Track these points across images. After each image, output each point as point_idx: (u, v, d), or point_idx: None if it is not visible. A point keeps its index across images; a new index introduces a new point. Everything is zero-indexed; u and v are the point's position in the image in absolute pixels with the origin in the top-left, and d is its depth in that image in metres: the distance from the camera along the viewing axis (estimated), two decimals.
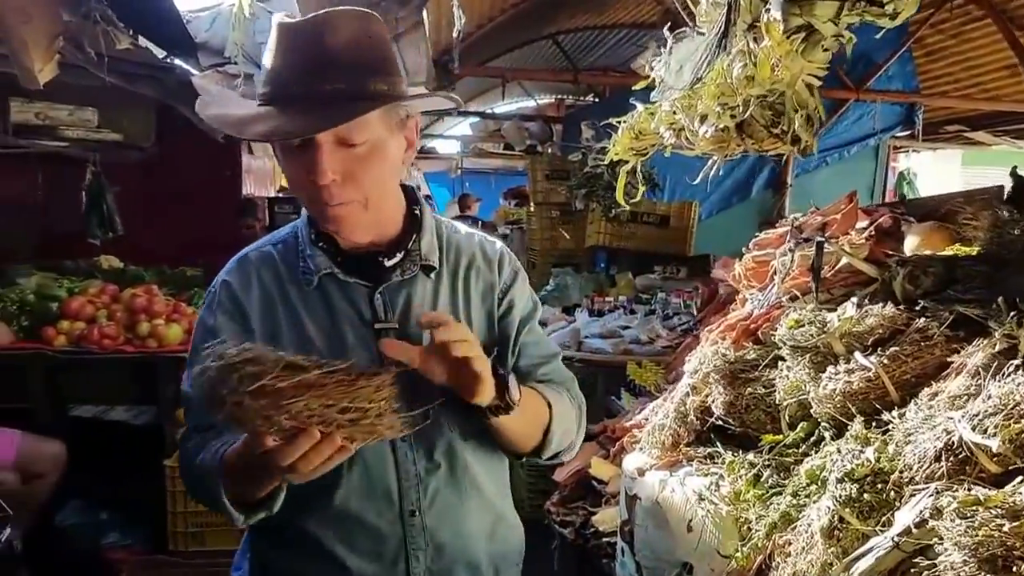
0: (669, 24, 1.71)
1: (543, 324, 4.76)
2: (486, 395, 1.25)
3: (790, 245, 1.93)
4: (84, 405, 3.85)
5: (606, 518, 2.06)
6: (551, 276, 6.41)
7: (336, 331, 1.38)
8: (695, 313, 4.25)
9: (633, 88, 2.11)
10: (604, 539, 2.04)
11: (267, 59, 1.29)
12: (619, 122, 2.15)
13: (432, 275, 1.44)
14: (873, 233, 2.05)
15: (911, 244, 2.08)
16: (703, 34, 1.62)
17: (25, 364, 3.74)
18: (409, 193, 1.48)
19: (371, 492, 1.37)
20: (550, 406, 1.41)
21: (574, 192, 5.92)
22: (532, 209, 7.62)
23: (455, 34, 2.89)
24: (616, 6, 6.79)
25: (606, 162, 2.24)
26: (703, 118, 1.78)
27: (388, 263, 1.40)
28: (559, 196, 7.13)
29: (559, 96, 10.38)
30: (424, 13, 3.27)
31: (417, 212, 1.47)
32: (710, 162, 1.90)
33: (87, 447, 3.61)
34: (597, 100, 8.24)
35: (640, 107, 2.07)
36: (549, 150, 8.63)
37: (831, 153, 6.80)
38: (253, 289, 1.41)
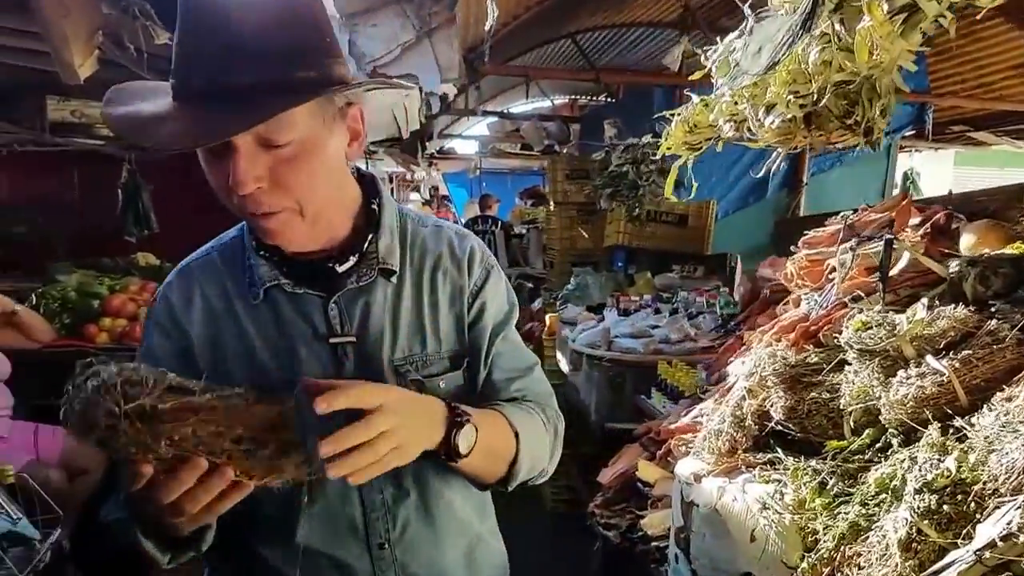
0: (750, 2, 1.55)
1: (571, 324, 4.69)
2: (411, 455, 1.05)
3: (852, 244, 1.79)
4: None
5: (654, 522, 1.93)
6: (572, 275, 6.29)
7: (288, 348, 1.19)
8: (720, 312, 4.12)
9: (688, 79, 1.97)
10: (652, 543, 1.91)
11: (175, 38, 1.04)
12: (672, 115, 2.01)
13: (393, 279, 1.23)
14: (929, 231, 1.91)
15: (967, 242, 1.94)
16: (784, 15, 1.47)
17: (68, 361, 3.64)
18: (367, 185, 1.27)
19: (335, 524, 1.21)
20: (517, 436, 1.22)
21: (598, 191, 5.76)
22: (552, 208, 7.51)
23: (487, 28, 2.75)
24: (635, 4, 6.66)
25: (657, 156, 2.10)
26: (769, 108, 1.64)
27: (341, 269, 1.20)
28: (579, 195, 7.01)
29: (573, 96, 10.24)
30: (457, 8, 3.15)
31: (375, 207, 1.25)
32: (774, 155, 1.77)
33: None
34: (612, 100, 8.09)
35: (695, 99, 1.93)
36: (565, 150, 8.51)
37: (846, 152, 6.63)
38: (195, 304, 1.22)
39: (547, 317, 5.64)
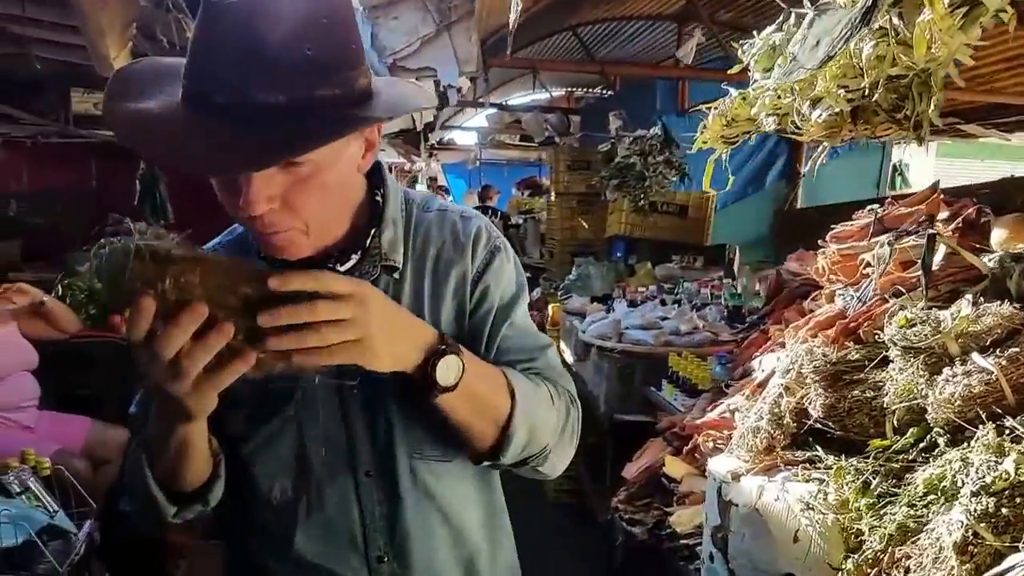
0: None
1: (577, 314, 4.61)
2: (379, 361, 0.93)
3: (889, 238, 1.72)
4: None
5: (683, 519, 1.86)
6: (574, 266, 6.21)
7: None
8: (725, 304, 4.05)
9: (728, 73, 1.89)
10: (681, 541, 1.84)
11: (190, 43, 0.92)
12: (709, 108, 1.93)
13: (395, 274, 1.13)
14: (960, 225, 1.84)
15: (999, 237, 1.87)
16: (844, 8, 1.39)
17: (93, 351, 3.64)
18: (372, 174, 1.14)
19: (333, 537, 1.12)
20: (513, 396, 1.06)
21: (604, 182, 5.67)
22: (553, 199, 7.43)
23: (511, 20, 2.66)
24: None
25: (693, 149, 2.01)
26: (815, 102, 1.56)
27: (342, 269, 1.08)
28: (580, 186, 6.93)
29: (569, 89, 10.14)
30: (476, 1, 3.05)
31: (379, 199, 1.13)
32: (819, 149, 1.69)
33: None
34: (611, 92, 8.00)
35: (733, 92, 1.85)
36: (563, 141, 8.41)
37: (841, 144, 6.55)
38: None
39: (549, 307, 5.56)
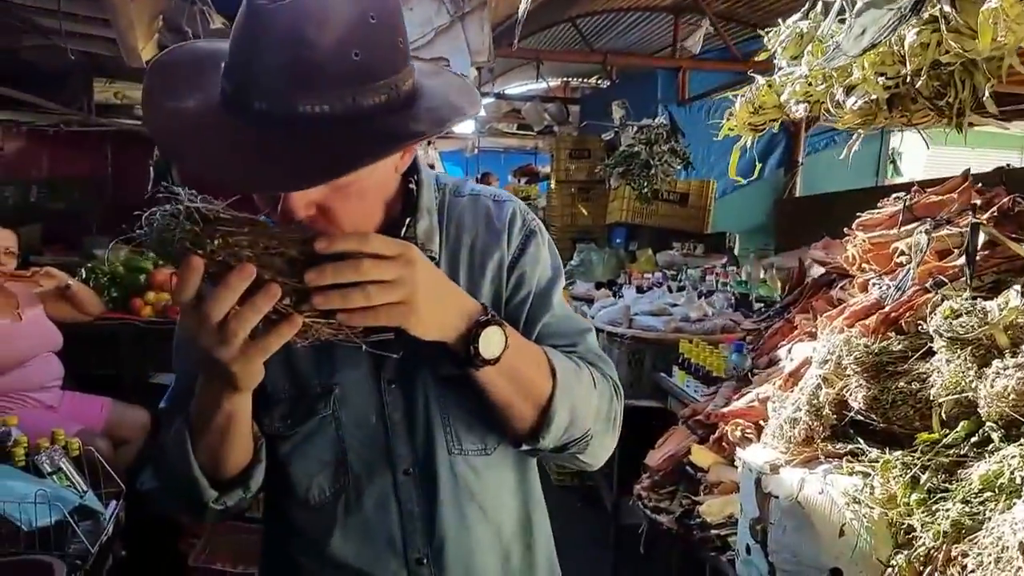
0: None
1: (583, 300, 4.53)
2: (423, 326, 0.87)
3: (927, 227, 1.62)
4: (164, 373, 3.65)
5: (713, 509, 1.77)
6: (576, 252, 6.12)
7: (325, 347, 0.96)
8: (732, 292, 3.96)
9: (754, 60, 1.80)
10: (712, 531, 1.76)
11: (231, 43, 0.83)
12: (735, 95, 1.83)
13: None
14: (996, 214, 1.74)
15: None
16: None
17: (115, 333, 3.63)
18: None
19: (370, 539, 1.05)
20: (554, 375, 0.99)
21: (608, 170, 5.57)
22: (553, 186, 7.35)
23: (521, 11, 2.55)
24: None
25: (719, 136, 1.92)
26: (849, 89, 1.47)
27: None
28: (580, 173, 6.85)
29: (566, 79, 10.00)
30: None
31: (412, 186, 1.05)
32: (854, 136, 1.60)
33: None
34: (609, 83, 7.88)
35: (760, 80, 1.75)
36: (562, 131, 8.29)
37: (839, 132, 6.43)
38: None
39: None
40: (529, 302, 1.09)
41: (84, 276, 3.78)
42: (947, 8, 1.17)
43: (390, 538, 1.05)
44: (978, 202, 1.82)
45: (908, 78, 1.33)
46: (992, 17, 1.08)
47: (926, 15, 1.20)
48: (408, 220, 1.03)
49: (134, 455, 3.27)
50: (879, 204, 1.96)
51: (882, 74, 1.44)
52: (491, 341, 0.91)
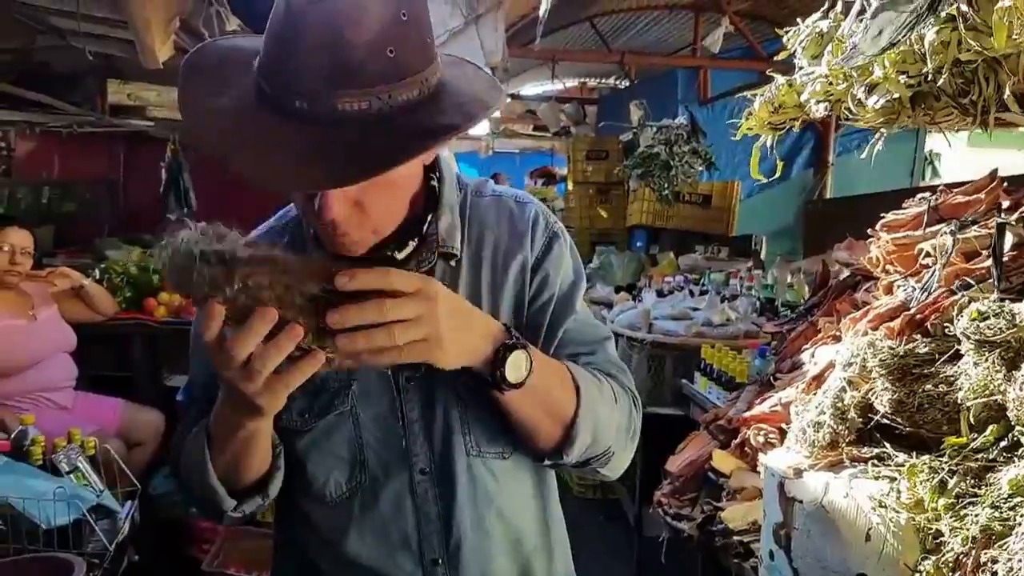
0: None
1: (602, 303, 4.55)
2: (449, 359, 0.89)
3: (952, 228, 1.64)
4: (178, 375, 3.73)
5: (736, 515, 1.80)
6: (595, 254, 6.14)
7: None
8: (757, 296, 3.97)
9: (774, 59, 1.83)
10: (735, 537, 1.78)
11: (267, 41, 0.86)
12: (754, 95, 1.86)
13: (452, 262, 1.08)
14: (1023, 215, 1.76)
15: None
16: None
17: (128, 334, 3.71)
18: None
19: (386, 538, 1.08)
20: (578, 392, 1.01)
21: (627, 171, 5.59)
22: (571, 188, 7.38)
23: (543, 8, 2.59)
24: None
25: (737, 137, 1.95)
26: (871, 88, 1.50)
27: (400, 256, 1.03)
28: (598, 175, 6.88)
29: (583, 79, 10.03)
30: None
31: (434, 183, 1.08)
32: (875, 136, 1.62)
33: (178, 415, 3.49)
34: (628, 83, 7.89)
35: (780, 79, 1.78)
36: (578, 131, 8.32)
37: (872, 132, 6.38)
38: None
39: None
40: (552, 305, 1.11)
41: (98, 276, 3.85)
42: (963, 7, 1.20)
43: (405, 538, 1.08)
44: (1006, 203, 1.83)
45: (930, 76, 1.36)
46: (1006, 15, 1.11)
47: (944, 14, 1.23)
48: (430, 216, 1.06)
49: (148, 457, 3.34)
50: (903, 205, 1.98)
51: (904, 72, 1.46)
52: (517, 365, 0.94)
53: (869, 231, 2.00)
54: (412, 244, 1.04)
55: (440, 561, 1.08)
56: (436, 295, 0.87)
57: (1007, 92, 1.28)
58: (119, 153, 5.77)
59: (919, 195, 2.01)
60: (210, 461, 1.00)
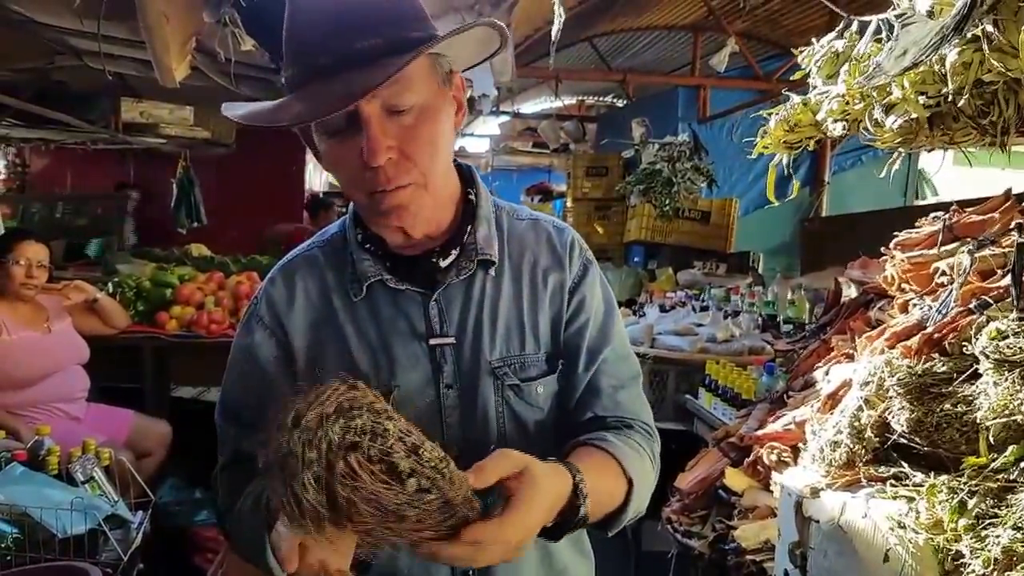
0: (896, 12, 1.39)
1: None
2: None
3: (970, 247, 1.61)
4: (185, 387, 3.74)
5: (749, 534, 1.75)
6: None
7: (384, 348, 1.07)
8: (759, 312, 3.93)
9: (791, 79, 1.80)
10: (748, 556, 1.74)
11: (285, 32, 0.98)
12: (769, 114, 1.84)
13: (491, 271, 1.10)
14: None
15: None
16: (932, 18, 1.30)
17: (140, 347, 3.69)
18: (464, 173, 1.15)
19: None
20: (630, 484, 1.06)
21: (628, 188, 5.57)
22: (569, 204, 7.37)
23: (555, 29, 2.57)
24: (654, 9, 6.50)
25: (754, 155, 1.93)
26: (888, 108, 1.47)
27: (444, 263, 1.08)
28: (597, 192, 6.86)
29: (581, 97, 10.05)
30: (513, 14, 2.98)
31: (472, 196, 1.13)
32: (894, 155, 1.60)
33: (184, 426, 3.47)
34: (627, 101, 7.90)
35: (796, 98, 1.76)
36: (577, 149, 8.32)
37: (866, 151, 6.37)
38: (296, 301, 1.10)
39: None
40: (589, 329, 1.13)
41: (111, 290, 3.84)
42: (989, 28, 1.17)
43: None
44: (1023, 221, 1.80)
45: (950, 97, 1.33)
46: None
47: (969, 35, 1.21)
48: (468, 228, 1.11)
49: (155, 467, 3.33)
50: (916, 224, 1.95)
51: (923, 93, 1.44)
52: (584, 506, 0.97)
53: (882, 249, 1.97)
54: (454, 253, 1.09)
55: (470, 572, 1.08)
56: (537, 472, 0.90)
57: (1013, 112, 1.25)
58: (131, 168, 5.82)
59: (932, 214, 1.98)
60: (268, 544, 0.95)
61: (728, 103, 6.14)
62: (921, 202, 6.35)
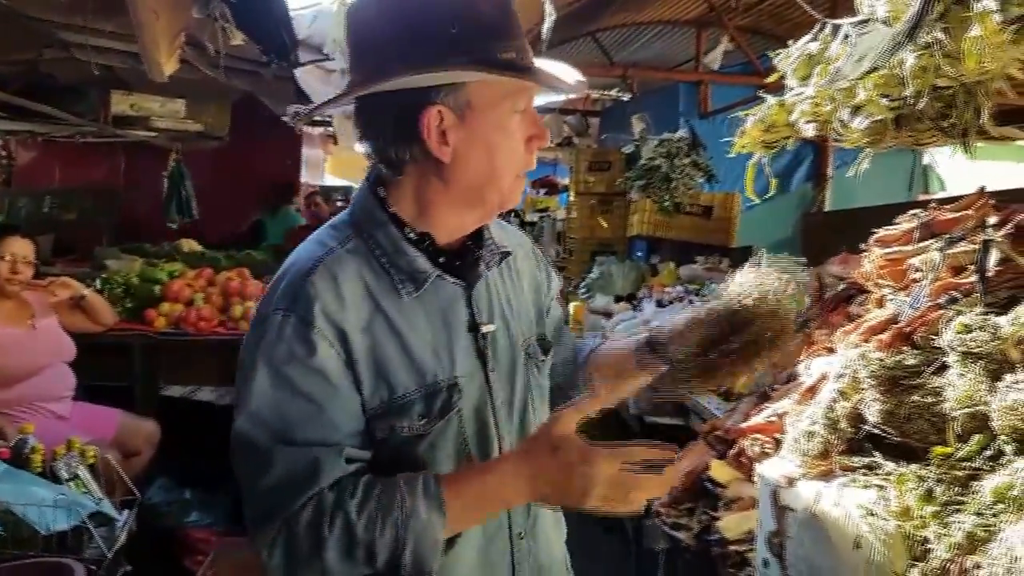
0: (859, 18, 1.51)
1: (602, 313, 4.60)
2: None
3: (941, 243, 1.71)
4: (175, 386, 3.76)
5: (731, 525, 1.85)
6: (595, 264, 6.20)
7: (442, 344, 1.14)
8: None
9: (767, 80, 1.90)
10: (731, 547, 1.84)
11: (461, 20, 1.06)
12: (746, 114, 1.94)
13: (504, 263, 1.27)
14: (1013, 231, 1.82)
15: None
16: (888, 25, 1.41)
17: (128, 345, 3.73)
18: None
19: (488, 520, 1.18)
20: None
21: (629, 183, 5.66)
22: (573, 198, 7.44)
23: (545, 29, 2.67)
24: (656, 3, 6.57)
25: (732, 154, 2.03)
26: (855, 109, 1.57)
27: (481, 256, 1.23)
28: (600, 186, 6.95)
29: (585, 91, 10.09)
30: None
31: None
32: (860, 155, 1.70)
33: (174, 426, 3.54)
34: (630, 96, 7.98)
35: (771, 100, 1.86)
36: (581, 143, 8.40)
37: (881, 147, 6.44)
38: (348, 307, 1.08)
39: (571, 305, 5.55)
40: (557, 318, 1.45)
41: (99, 287, 3.88)
42: (940, 35, 1.28)
43: (500, 518, 1.18)
44: (993, 219, 1.89)
45: (911, 100, 1.43)
46: (976, 44, 1.19)
47: (922, 41, 1.31)
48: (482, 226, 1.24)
49: (144, 467, 3.37)
50: (895, 220, 2.04)
51: (886, 95, 1.54)
52: None
53: (862, 245, 2.06)
54: (482, 246, 1.22)
55: (523, 534, 1.20)
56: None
57: (985, 116, 1.35)
58: (122, 162, 5.86)
59: (911, 211, 2.07)
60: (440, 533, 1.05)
61: (731, 98, 6.22)
62: (929, 196, 6.42)
